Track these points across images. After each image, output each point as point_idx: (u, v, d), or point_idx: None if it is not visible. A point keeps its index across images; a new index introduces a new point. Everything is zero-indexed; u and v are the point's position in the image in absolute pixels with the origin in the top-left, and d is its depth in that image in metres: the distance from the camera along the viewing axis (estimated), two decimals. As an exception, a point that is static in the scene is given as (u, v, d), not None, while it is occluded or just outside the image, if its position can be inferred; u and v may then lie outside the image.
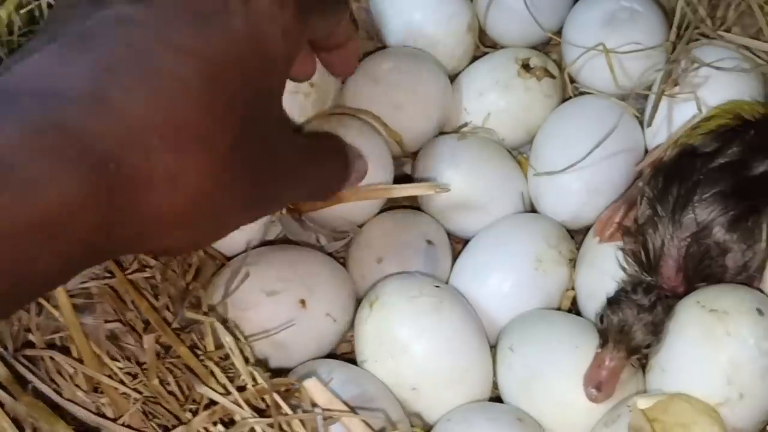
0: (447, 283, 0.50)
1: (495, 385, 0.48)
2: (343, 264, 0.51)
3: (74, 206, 0.26)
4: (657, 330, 0.43)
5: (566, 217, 0.52)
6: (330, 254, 0.52)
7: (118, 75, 0.28)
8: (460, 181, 0.51)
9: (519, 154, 0.56)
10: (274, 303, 0.46)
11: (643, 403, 0.41)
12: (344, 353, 0.50)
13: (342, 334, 0.49)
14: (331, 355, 0.49)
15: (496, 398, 0.48)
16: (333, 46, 0.42)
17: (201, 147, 0.30)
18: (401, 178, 0.53)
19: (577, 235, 0.52)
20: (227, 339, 0.40)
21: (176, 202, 0.29)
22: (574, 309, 0.50)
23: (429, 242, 0.51)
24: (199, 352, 0.42)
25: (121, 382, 0.40)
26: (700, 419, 0.41)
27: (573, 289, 0.51)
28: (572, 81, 0.56)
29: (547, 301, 0.50)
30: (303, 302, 0.47)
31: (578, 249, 0.51)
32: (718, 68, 0.50)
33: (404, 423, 0.43)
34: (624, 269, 0.46)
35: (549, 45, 0.59)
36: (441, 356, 0.45)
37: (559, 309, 0.50)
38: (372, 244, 0.51)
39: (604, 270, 0.48)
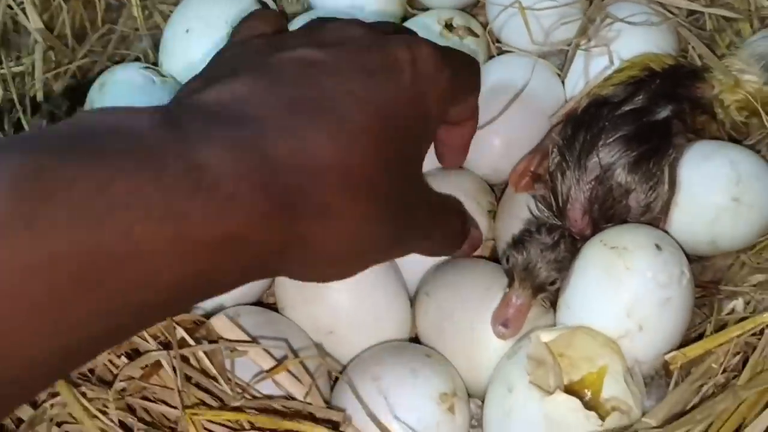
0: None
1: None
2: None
3: (261, 226, 0.29)
4: (561, 267, 0.45)
5: (487, 170, 0.53)
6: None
7: (309, 113, 0.31)
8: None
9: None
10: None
11: (544, 336, 0.42)
12: (271, 303, 0.51)
13: (268, 282, 0.50)
14: (262, 304, 0.50)
15: (416, 341, 0.49)
16: (454, 121, 0.44)
17: (369, 191, 0.33)
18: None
19: (499, 188, 0.53)
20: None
21: (344, 235, 0.33)
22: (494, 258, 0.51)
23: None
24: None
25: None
26: (603, 351, 0.42)
27: (493, 239, 0.52)
28: (496, 41, 0.57)
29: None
30: None
31: (498, 201, 0.52)
32: (629, 23, 0.51)
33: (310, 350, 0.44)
34: (535, 215, 0.48)
35: (477, 7, 0.61)
36: (355, 301, 0.46)
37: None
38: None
39: (522, 219, 0.49)
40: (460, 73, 0.41)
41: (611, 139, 0.46)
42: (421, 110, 0.36)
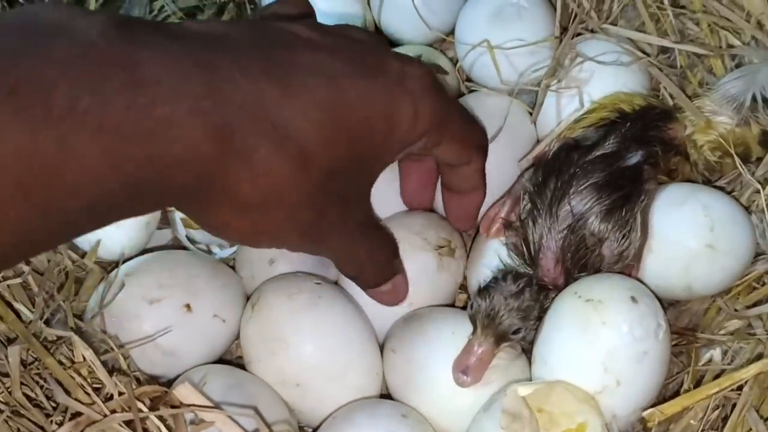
0: (336, 283, 0.50)
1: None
2: (233, 266, 0.51)
3: (190, 152, 0.30)
4: (525, 316, 0.44)
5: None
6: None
7: (274, 69, 0.33)
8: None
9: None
10: (156, 311, 0.46)
11: (522, 390, 0.42)
12: (239, 357, 0.49)
13: (235, 334, 0.49)
14: (224, 360, 0.49)
15: (388, 396, 0.48)
16: (457, 190, 0.46)
17: (306, 162, 0.33)
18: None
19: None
20: (87, 353, 0.40)
21: (260, 189, 0.33)
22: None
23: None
24: (68, 365, 0.42)
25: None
26: (582, 407, 0.41)
27: (463, 284, 0.50)
28: (468, 79, 0.56)
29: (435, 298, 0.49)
30: (188, 306, 0.46)
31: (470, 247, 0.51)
32: (600, 62, 0.51)
33: (286, 423, 0.43)
34: (504, 263, 0.47)
35: (445, 42, 0.60)
36: (320, 352, 0.45)
37: (453, 305, 0.50)
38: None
39: (493, 265, 0.48)
40: (455, 119, 0.41)
41: (582, 187, 0.45)
42: (389, 118, 0.36)
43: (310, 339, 0.45)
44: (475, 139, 0.44)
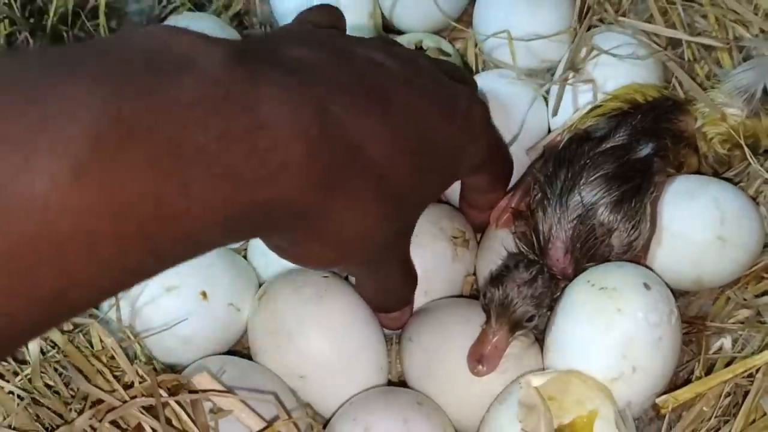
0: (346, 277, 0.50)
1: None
2: (244, 256, 0.52)
3: (301, 194, 0.30)
4: (538, 303, 0.44)
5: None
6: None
7: (376, 116, 0.33)
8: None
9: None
10: (173, 298, 0.46)
11: (535, 380, 0.42)
12: (247, 348, 0.49)
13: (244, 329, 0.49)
14: (235, 352, 0.49)
15: (403, 384, 0.48)
16: (474, 204, 0.49)
17: (398, 204, 0.35)
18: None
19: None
20: (108, 340, 0.40)
21: (357, 227, 0.34)
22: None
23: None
24: (88, 352, 0.42)
25: (7, 381, 0.40)
26: (593, 395, 0.41)
27: (474, 274, 0.51)
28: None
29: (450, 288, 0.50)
30: (204, 294, 0.46)
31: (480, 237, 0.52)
32: (615, 55, 0.51)
33: (303, 410, 0.44)
34: (514, 251, 0.47)
35: (456, 30, 0.60)
36: (325, 344, 0.45)
37: (461, 295, 0.51)
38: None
39: (502, 255, 0.48)
40: (496, 157, 0.43)
41: (593, 178, 0.45)
42: (456, 158, 0.38)
43: (315, 331, 0.45)
44: (506, 172, 0.47)
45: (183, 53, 0.27)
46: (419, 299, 0.48)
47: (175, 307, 0.46)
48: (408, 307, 0.47)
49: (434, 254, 0.48)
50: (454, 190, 0.50)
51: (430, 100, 0.36)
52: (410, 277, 0.45)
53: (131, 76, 0.26)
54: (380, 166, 0.33)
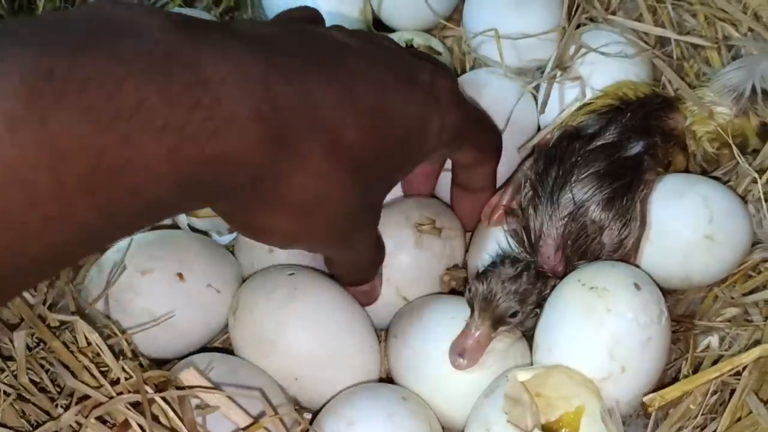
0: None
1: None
2: (233, 253, 0.51)
3: (248, 154, 0.30)
4: (522, 299, 0.44)
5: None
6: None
7: (326, 74, 0.33)
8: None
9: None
10: (149, 281, 0.46)
11: (522, 375, 0.42)
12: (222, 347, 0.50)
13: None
14: (224, 349, 0.49)
15: (390, 381, 0.48)
16: (465, 187, 0.48)
17: (355, 169, 0.34)
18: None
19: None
20: (93, 337, 0.40)
21: (312, 192, 0.34)
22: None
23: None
24: (74, 348, 0.42)
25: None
26: (579, 391, 0.42)
27: (462, 267, 0.50)
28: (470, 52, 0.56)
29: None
30: (180, 275, 0.46)
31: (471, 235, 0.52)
32: (603, 54, 0.51)
33: (288, 405, 0.43)
34: (503, 249, 0.47)
35: (446, 28, 0.60)
36: (309, 342, 0.45)
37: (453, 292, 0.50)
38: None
39: (493, 252, 0.48)
40: (475, 128, 0.42)
41: (584, 175, 0.46)
42: (422, 129, 0.37)
43: (296, 333, 0.45)
44: (491, 143, 0.46)
45: (124, 20, 0.28)
46: (392, 296, 0.48)
47: (151, 289, 0.46)
48: (378, 280, 0.47)
49: (396, 240, 0.48)
50: (442, 186, 0.50)
51: (387, 69, 0.36)
52: (379, 253, 0.45)
53: (68, 38, 0.27)
54: (333, 128, 0.33)
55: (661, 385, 0.43)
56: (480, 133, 0.45)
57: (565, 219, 0.45)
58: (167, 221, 0.52)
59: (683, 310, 0.48)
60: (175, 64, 0.28)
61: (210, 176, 0.30)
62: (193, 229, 0.52)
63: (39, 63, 0.25)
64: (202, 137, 0.28)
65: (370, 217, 0.40)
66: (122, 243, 0.47)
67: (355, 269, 0.45)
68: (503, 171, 0.50)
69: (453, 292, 0.50)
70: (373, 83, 0.35)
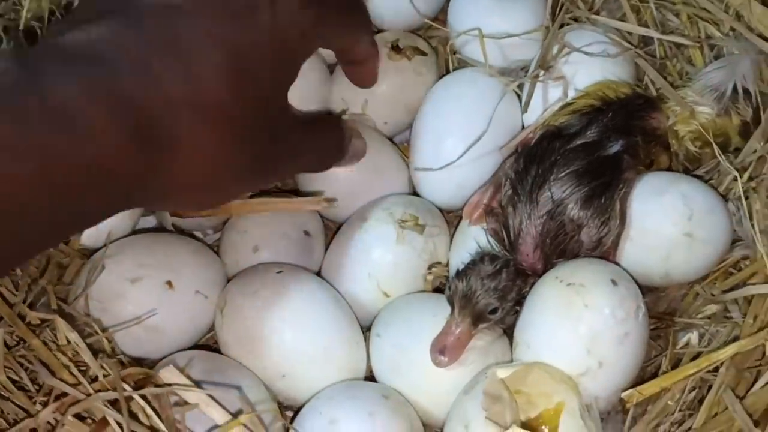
0: (319, 272, 0.51)
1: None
2: (216, 252, 0.52)
3: (120, 156, 0.31)
4: (502, 296, 0.44)
5: (446, 198, 0.53)
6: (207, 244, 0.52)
7: (163, 53, 0.33)
8: (340, 171, 0.51)
9: (400, 143, 0.57)
10: (138, 289, 0.46)
11: (501, 372, 0.42)
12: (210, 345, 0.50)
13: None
14: (204, 346, 0.49)
15: (373, 379, 0.48)
16: (353, 62, 0.49)
17: (224, 123, 0.34)
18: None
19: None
20: (71, 335, 0.40)
21: (197, 165, 0.34)
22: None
23: (306, 233, 0.51)
24: (54, 347, 0.42)
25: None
26: (559, 387, 0.42)
27: (440, 266, 0.51)
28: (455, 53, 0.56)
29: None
30: (170, 283, 0.47)
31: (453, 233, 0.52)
32: (587, 53, 0.51)
33: (267, 403, 0.44)
34: (483, 247, 0.47)
35: (431, 29, 0.60)
36: (297, 340, 0.46)
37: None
38: (249, 231, 0.51)
39: (474, 250, 0.48)
40: (334, 11, 0.42)
41: (563, 174, 0.46)
42: (281, 48, 0.37)
43: (283, 331, 0.45)
44: (358, 22, 0.46)
45: None
46: (373, 292, 0.48)
47: (141, 298, 0.46)
48: (355, 141, 0.49)
49: (377, 234, 0.48)
50: (426, 184, 0.50)
51: (223, 12, 0.35)
52: (320, 135, 0.45)
53: None
54: (189, 101, 0.33)
55: (640, 381, 0.43)
56: (343, 18, 0.44)
57: (544, 217, 0.45)
58: (153, 223, 0.53)
59: (664, 307, 0.48)
60: (23, 97, 0.29)
61: (92, 184, 0.31)
62: (177, 229, 0.52)
63: None
64: (69, 153, 0.29)
65: (276, 132, 0.39)
66: (111, 246, 0.47)
67: (318, 162, 0.46)
68: (487, 170, 0.51)
69: (437, 290, 0.50)
70: (213, 38, 0.34)
